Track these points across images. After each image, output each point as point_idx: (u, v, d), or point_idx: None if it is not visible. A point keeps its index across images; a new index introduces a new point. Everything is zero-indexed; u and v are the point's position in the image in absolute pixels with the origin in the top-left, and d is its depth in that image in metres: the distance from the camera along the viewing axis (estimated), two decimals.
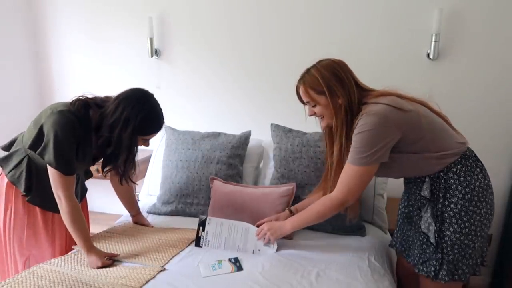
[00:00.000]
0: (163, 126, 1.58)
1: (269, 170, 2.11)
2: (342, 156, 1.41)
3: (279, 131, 2.01)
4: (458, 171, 1.33)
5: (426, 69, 2.13)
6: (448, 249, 1.33)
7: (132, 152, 1.51)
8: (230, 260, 1.52)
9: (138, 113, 1.43)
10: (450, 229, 1.33)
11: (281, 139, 1.98)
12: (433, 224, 1.35)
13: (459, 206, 1.31)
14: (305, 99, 1.44)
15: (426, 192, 1.37)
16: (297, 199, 1.83)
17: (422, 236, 1.40)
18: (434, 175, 1.37)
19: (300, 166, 1.89)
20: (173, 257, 1.55)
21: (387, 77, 2.18)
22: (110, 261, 1.49)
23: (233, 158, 2.04)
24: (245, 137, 2.12)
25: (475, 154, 1.40)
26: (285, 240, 1.72)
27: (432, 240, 1.35)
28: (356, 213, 1.55)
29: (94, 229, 2.18)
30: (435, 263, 1.36)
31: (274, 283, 1.37)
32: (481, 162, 1.38)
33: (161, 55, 2.53)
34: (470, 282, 2.17)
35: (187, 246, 1.65)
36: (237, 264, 1.49)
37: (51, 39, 2.69)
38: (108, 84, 2.68)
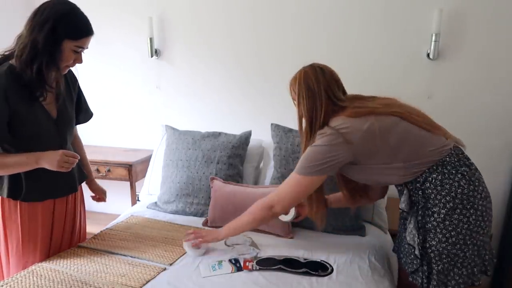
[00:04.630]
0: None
1: (269, 170, 2.11)
2: None
3: (279, 131, 2.01)
4: (433, 180, 1.28)
5: (426, 69, 2.13)
6: (436, 259, 1.29)
7: (53, 57, 1.31)
8: (230, 260, 1.52)
9: (57, 11, 1.29)
10: (435, 239, 1.28)
11: (281, 139, 1.98)
12: (417, 236, 1.32)
13: (442, 216, 1.26)
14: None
15: (403, 205, 1.36)
16: None
17: (409, 247, 1.38)
18: (412, 186, 1.34)
19: None
20: (180, 256, 1.55)
21: (387, 77, 2.18)
22: (72, 154, 1.39)
23: (233, 158, 2.04)
24: (245, 137, 2.12)
25: (458, 159, 1.31)
26: (285, 240, 1.73)
27: (417, 252, 1.32)
28: (323, 221, 1.54)
29: (94, 229, 2.18)
30: (421, 275, 1.33)
31: (274, 283, 1.37)
32: (465, 167, 1.28)
33: (161, 55, 2.53)
34: None
35: None
36: (237, 264, 1.49)
37: None
38: (108, 84, 2.69)
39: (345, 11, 2.19)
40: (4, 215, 1.43)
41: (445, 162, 1.29)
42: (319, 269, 1.45)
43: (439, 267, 1.30)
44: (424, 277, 1.33)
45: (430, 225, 1.30)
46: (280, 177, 1.93)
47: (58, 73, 1.41)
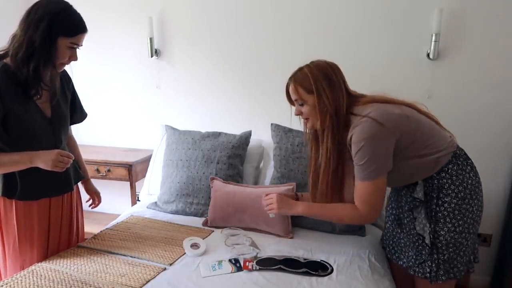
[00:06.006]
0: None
1: (269, 170, 2.11)
2: (330, 160, 1.37)
3: (279, 131, 2.01)
4: (450, 170, 1.33)
5: (426, 69, 2.13)
6: (443, 248, 1.34)
7: (50, 55, 1.33)
8: (230, 260, 1.52)
9: (51, 9, 1.30)
10: (445, 228, 1.33)
11: (281, 139, 1.98)
12: (428, 225, 1.35)
13: (453, 205, 1.32)
14: (293, 97, 1.41)
15: (420, 194, 1.37)
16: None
17: (417, 238, 1.40)
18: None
19: (300, 166, 1.89)
20: (180, 256, 1.55)
21: (387, 77, 2.18)
22: (67, 153, 1.40)
23: (233, 158, 2.04)
24: (245, 137, 2.12)
25: (464, 152, 1.40)
26: (285, 240, 1.73)
27: (428, 241, 1.35)
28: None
29: (94, 229, 2.19)
30: (431, 264, 1.36)
31: (274, 283, 1.37)
32: (471, 160, 1.38)
33: (161, 55, 2.53)
34: (470, 282, 2.17)
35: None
36: (237, 264, 1.49)
37: None
38: (108, 84, 2.69)
39: (344, 11, 2.19)
40: (0, 214, 1.43)
41: (456, 154, 1.36)
42: (319, 269, 1.45)
43: (445, 256, 1.35)
44: (434, 266, 1.35)
45: (440, 215, 1.34)
46: (280, 177, 1.93)
47: (54, 71, 1.42)
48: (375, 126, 1.26)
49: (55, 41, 1.32)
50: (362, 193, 1.34)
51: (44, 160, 1.36)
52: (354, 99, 1.37)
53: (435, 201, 1.35)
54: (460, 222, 1.32)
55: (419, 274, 1.40)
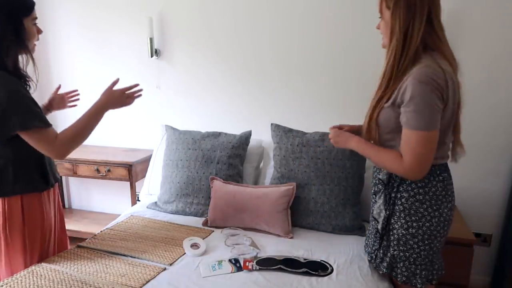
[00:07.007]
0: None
1: (269, 170, 2.11)
2: (383, 82, 1.29)
3: (279, 131, 2.01)
4: None
5: None
6: (395, 243, 1.34)
7: (23, 40, 1.34)
8: (230, 260, 1.52)
9: None
10: (398, 223, 1.33)
11: (281, 139, 1.98)
12: (384, 212, 1.35)
13: (409, 203, 1.30)
14: (378, 8, 1.34)
15: (385, 177, 1.35)
16: (297, 199, 1.83)
17: (374, 223, 1.40)
18: None
19: (300, 166, 1.89)
20: (180, 256, 1.56)
21: None
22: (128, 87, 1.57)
23: (233, 158, 2.05)
24: (246, 137, 2.12)
25: (445, 164, 1.34)
26: (285, 240, 1.73)
27: (379, 227, 1.35)
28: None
29: (95, 229, 2.19)
30: (379, 250, 1.38)
31: (274, 283, 1.37)
32: (446, 174, 1.32)
33: (161, 55, 2.53)
34: (470, 282, 2.17)
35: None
36: (237, 264, 1.49)
37: (50, 39, 2.69)
38: (108, 84, 2.68)
39: (344, 11, 2.19)
40: (6, 215, 1.38)
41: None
42: (319, 269, 1.46)
43: (395, 252, 1.34)
44: (381, 253, 1.36)
45: (397, 208, 1.34)
46: (280, 177, 1.93)
47: (29, 54, 1.40)
48: (442, 76, 1.18)
49: (22, 25, 1.33)
50: (410, 142, 1.21)
51: (114, 103, 1.52)
52: (435, 37, 1.29)
53: (395, 189, 1.33)
54: (413, 224, 1.30)
55: (373, 262, 1.42)
